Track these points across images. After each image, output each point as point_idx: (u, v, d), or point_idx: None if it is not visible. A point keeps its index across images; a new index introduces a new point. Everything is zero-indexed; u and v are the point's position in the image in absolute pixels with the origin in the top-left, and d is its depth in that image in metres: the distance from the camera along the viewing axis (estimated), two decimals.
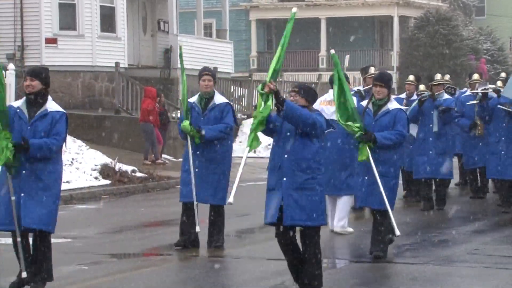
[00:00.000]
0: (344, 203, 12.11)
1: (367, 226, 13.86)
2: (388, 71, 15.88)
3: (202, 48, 31.67)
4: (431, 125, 14.08)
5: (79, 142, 20.16)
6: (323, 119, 8.25)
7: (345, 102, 9.70)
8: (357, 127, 9.82)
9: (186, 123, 10.77)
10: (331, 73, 14.35)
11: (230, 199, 8.34)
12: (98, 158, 19.87)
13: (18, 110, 8.53)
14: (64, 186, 18.31)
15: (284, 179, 8.18)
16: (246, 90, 32.26)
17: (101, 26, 27.23)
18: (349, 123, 9.78)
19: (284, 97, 8.26)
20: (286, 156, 8.20)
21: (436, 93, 14.17)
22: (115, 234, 13.38)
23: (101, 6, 27.50)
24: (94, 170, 19.36)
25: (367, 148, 9.93)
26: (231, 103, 11.36)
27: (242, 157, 8.39)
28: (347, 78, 10.32)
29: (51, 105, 8.62)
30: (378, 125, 10.22)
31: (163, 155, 24.51)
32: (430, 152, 14.18)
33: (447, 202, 15.00)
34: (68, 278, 9.96)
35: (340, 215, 12.17)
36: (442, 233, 12.90)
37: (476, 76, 15.83)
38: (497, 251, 11.20)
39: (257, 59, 46.79)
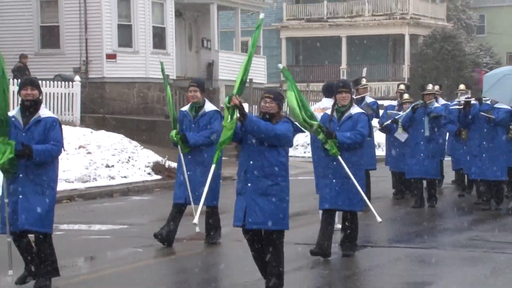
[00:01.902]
0: None
1: (380, 214, 13.90)
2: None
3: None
4: (422, 130, 13.68)
5: (134, 143, 20.24)
6: (289, 126, 7.53)
7: (303, 107, 8.83)
8: (317, 126, 8.96)
9: (172, 132, 10.27)
10: (358, 85, 14.28)
11: (195, 220, 7.78)
12: (151, 156, 19.95)
13: (13, 119, 8.00)
14: (121, 181, 18.63)
15: (249, 184, 7.49)
16: None
17: (153, 43, 27.37)
18: (308, 120, 8.93)
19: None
20: (251, 162, 7.49)
21: (427, 102, 13.76)
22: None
23: (153, 27, 27.66)
24: (147, 167, 19.45)
25: (334, 145, 9.16)
26: (220, 110, 10.50)
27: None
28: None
29: (44, 112, 8.08)
30: (342, 130, 9.46)
31: None
32: (421, 154, 13.71)
33: (445, 197, 14.90)
34: (125, 259, 10.03)
35: None
36: (445, 222, 12.87)
37: (462, 86, 15.33)
38: (494, 238, 11.12)
39: None
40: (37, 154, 7.77)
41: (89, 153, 19.51)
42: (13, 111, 8.12)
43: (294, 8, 47.66)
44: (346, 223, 9.70)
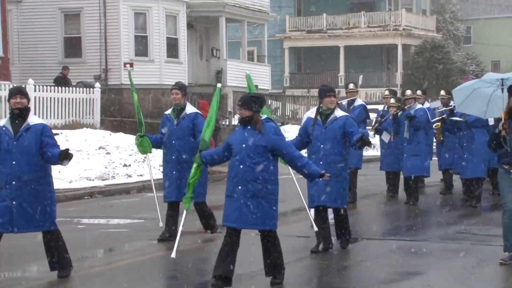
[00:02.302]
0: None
1: (374, 210, 13.86)
2: (393, 88, 15.67)
3: (245, 70, 31.52)
4: (404, 132, 13.47)
5: None
6: (275, 129, 7.45)
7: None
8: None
9: (137, 138, 10.26)
10: (346, 89, 14.13)
11: (173, 254, 7.86)
12: None
13: (4, 128, 7.70)
14: (138, 178, 18.59)
15: (239, 187, 7.29)
16: (280, 103, 32.33)
17: (167, 53, 27.39)
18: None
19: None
20: (241, 167, 7.29)
21: (407, 105, 13.55)
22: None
23: (167, 37, 27.68)
24: (161, 166, 19.38)
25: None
26: (200, 112, 10.29)
27: None
28: None
29: (32, 119, 7.77)
30: (328, 132, 9.08)
31: None
32: (405, 155, 13.55)
33: (434, 194, 14.78)
34: (141, 250, 10.01)
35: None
36: (434, 217, 12.80)
37: (442, 92, 14.83)
38: (480, 231, 11.09)
39: (289, 78, 46.74)
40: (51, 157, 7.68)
41: (108, 153, 19.53)
42: (3, 121, 7.88)
43: (296, 20, 47.63)
44: (338, 219, 9.56)
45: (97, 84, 24.43)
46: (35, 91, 21.86)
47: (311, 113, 9.43)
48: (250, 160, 7.29)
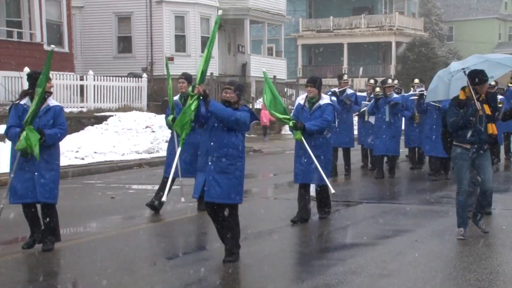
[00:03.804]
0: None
1: (372, 177, 13.75)
2: (388, 78, 15.28)
3: (266, 63, 31.57)
4: (384, 116, 13.11)
5: None
6: (247, 114, 6.58)
7: (276, 103, 8.32)
8: (287, 118, 8.40)
9: (170, 117, 9.27)
10: (350, 79, 13.94)
11: (164, 197, 7.17)
12: None
13: (25, 106, 7.11)
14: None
15: (209, 163, 6.50)
16: (294, 90, 32.14)
17: (201, 49, 27.30)
18: (281, 116, 8.36)
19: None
20: (212, 144, 6.51)
21: (388, 93, 13.25)
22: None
23: (201, 36, 27.60)
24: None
25: (300, 132, 8.44)
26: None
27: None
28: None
29: (52, 101, 7.20)
30: (313, 117, 8.59)
31: None
32: (383, 136, 13.09)
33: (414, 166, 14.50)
34: (179, 211, 9.89)
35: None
36: (420, 184, 12.66)
37: (416, 80, 14.33)
38: None
39: (302, 70, 46.44)
40: (49, 137, 6.99)
41: (153, 131, 19.54)
42: (24, 100, 7.19)
43: (307, 22, 47.27)
44: (318, 194, 8.99)
45: (144, 75, 24.43)
46: (94, 80, 21.89)
47: (301, 99, 9.00)
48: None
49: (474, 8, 54.82)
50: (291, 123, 8.42)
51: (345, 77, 13.75)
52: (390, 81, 13.85)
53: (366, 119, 13.97)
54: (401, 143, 13.69)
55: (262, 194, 11.31)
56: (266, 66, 31.62)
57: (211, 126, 6.55)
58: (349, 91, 13.67)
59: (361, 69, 17.43)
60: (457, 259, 6.77)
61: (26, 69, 19.32)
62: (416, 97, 13.34)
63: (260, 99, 28.30)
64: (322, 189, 8.91)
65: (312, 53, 48.55)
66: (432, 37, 48.55)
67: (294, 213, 8.79)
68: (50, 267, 6.65)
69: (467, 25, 54.45)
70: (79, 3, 26.98)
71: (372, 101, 13.55)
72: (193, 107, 6.49)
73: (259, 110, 26.20)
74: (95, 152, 16.77)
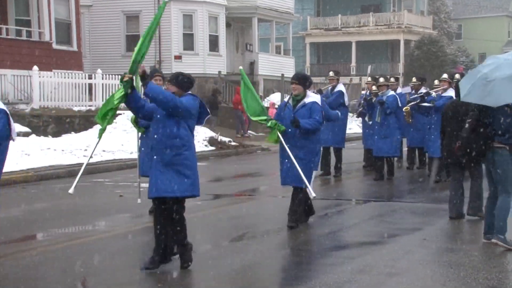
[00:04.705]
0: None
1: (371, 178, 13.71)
2: (396, 76, 15.07)
3: (274, 62, 31.61)
4: (376, 116, 12.64)
5: None
6: (193, 102, 6.18)
7: (254, 102, 8.06)
8: (263, 119, 8.10)
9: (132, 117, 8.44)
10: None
11: (71, 190, 6.57)
12: (207, 133, 19.97)
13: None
14: None
15: (155, 157, 6.13)
16: None
17: (209, 47, 27.36)
18: (257, 118, 8.07)
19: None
20: (156, 136, 6.12)
21: (380, 92, 12.56)
22: (217, 182, 13.43)
23: (209, 35, 27.64)
24: (205, 140, 19.47)
25: (278, 133, 8.04)
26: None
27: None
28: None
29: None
30: (297, 116, 8.08)
31: (248, 131, 24.51)
32: (376, 136, 12.56)
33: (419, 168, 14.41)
34: (190, 209, 9.87)
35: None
36: (427, 183, 12.59)
37: (414, 79, 13.95)
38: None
39: (310, 68, 46.39)
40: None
41: None
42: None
43: (316, 20, 47.20)
44: (293, 196, 8.29)
45: None
46: (102, 78, 21.95)
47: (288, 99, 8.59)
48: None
49: (483, 5, 54.60)
50: (269, 123, 8.07)
51: (331, 73, 13.20)
52: (382, 79, 13.30)
53: (368, 120, 13.75)
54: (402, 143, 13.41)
55: (270, 192, 11.32)
56: (274, 64, 31.67)
57: (155, 119, 6.15)
58: (338, 87, 12.99)
59: (369, 67, 17.32)
60: (465, 257, 6.75)
61: (35, 68, 19.43)
62: (417, 101, 12.63)
63: (268, 98, 28.31)
64: (300, 191, 8.23)
65: (320, 52, 48.50)
66: (441, 35, 48.38)
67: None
68: (59, 265, 6.68)
69: (476, 23, 54.23)
70: (87, 2, 27.06)
71: (363, 102, 13.32)
72: (116, 96, 6.10)
73: (267, 108, 26.23)
74: (104, 151, 16.81)
